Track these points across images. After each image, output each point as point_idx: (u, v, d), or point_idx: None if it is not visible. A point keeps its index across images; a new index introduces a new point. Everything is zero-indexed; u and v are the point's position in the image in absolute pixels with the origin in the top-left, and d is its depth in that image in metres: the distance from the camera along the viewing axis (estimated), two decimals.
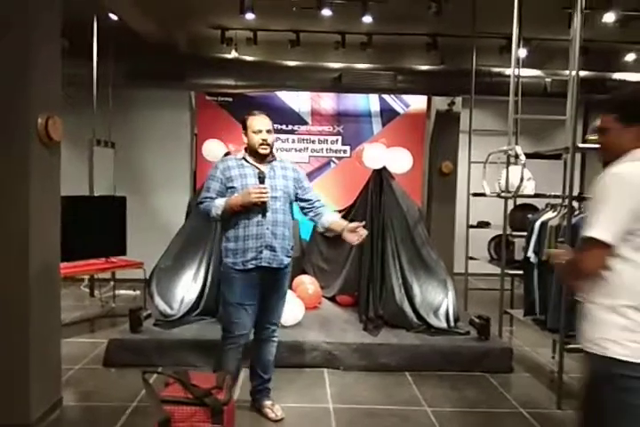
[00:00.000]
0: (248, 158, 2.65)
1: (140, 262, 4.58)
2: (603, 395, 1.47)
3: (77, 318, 4.59)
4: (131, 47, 5.28)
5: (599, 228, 1.47)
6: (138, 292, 5.34)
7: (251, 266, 2.57)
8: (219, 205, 2.55)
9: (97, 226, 4.46)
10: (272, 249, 2.58)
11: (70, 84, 3.30)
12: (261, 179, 2.57)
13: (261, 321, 2.73)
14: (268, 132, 2.62)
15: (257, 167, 2.63)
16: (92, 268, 4.43)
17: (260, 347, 2.78)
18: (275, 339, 2.81)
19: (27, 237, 2.48)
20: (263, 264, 2.58)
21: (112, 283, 5.08)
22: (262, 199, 2.50)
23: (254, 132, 2.60)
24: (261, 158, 2.64)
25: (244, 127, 2.66)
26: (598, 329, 1.51)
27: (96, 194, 4.89)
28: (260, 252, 2.56)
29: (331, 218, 2.73)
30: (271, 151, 2.67)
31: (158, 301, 3.86)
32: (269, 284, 2.65)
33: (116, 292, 5.09)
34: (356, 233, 2.57)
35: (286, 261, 2.66)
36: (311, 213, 2.74)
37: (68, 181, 3.33)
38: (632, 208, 1.45)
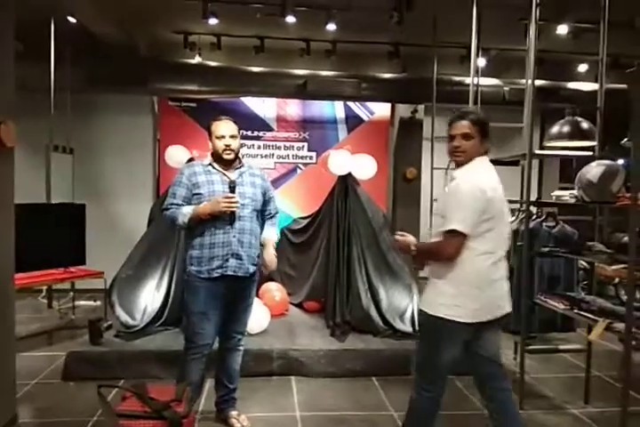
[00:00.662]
0: (215, 164, 2.61)
1: (101, 272, 4.45)
2: (433, 333, 2.14)
3: (35, 330, 4.41)
4: (90, 50, 5.15)
5: (458, 222, 1.98)
6: (98, 302, 5.19)
7: (216, 274, 2.53)
8: (186, 212, 2.50)
9: (54, 235, 4.32)
10: (238, 257, 2.55)
11: (25, 88, 3.19)
12: (232, 188, 2.52)
13: (228, 330, 2.69)
14: (233, 137, 2.58)
15: (224, 174, 2.59)
16: (50, 278, 4.28)
17: (225, 356, 2.74)
18: (241, 348, 2.78)
19: None
20: (229, 273, 2.54)
21: (71, 293, 4.91)
22: (232, 209, 2.47)
23: (217, 138, 2.56)
24: (227, 164, 2.61)
25: (209, 133, 2.62)
26: (434, 296, 2.10)
27: (53, 201, 4.73)
28: (227, 260, 2.53)
29: (266, 234, 2.77)
30: (237, 157, 2.63)
31: (119, 311, 3.75)
32: (235, 293, 2.61)
33: (76, 303, 4.93)
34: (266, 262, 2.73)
35: (252, 269, 2.63)
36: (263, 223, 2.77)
37: (24, 189, 3.21)
38: (477, 207, 1.99)
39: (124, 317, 3.73)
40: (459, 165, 2.14)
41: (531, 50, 3.20)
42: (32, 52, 4.49)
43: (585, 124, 3.34)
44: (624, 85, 5.18)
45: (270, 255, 2.73)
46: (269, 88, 5.62)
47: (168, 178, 5.57)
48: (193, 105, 6.00)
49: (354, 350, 3.54)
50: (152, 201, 5.94)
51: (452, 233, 1.98)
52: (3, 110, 2.55)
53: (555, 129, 3.42)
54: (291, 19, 4.67)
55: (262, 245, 2.73)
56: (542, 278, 3.36)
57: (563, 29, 4.83)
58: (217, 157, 2.60)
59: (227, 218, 2.50)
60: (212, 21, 4.77)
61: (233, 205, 2.47)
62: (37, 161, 4.87)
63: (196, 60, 5.57)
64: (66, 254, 4.43)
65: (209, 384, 2.98)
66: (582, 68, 5.99)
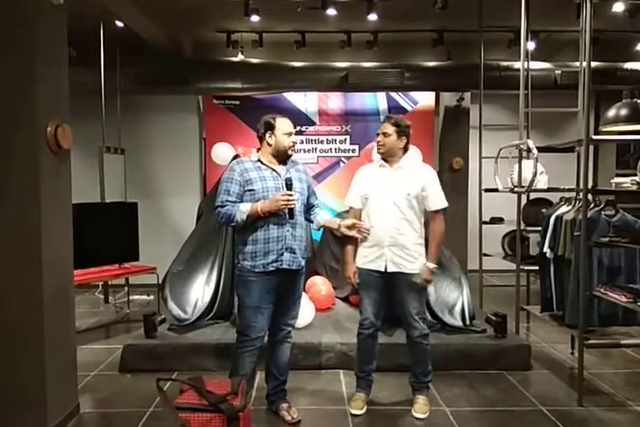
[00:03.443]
0: (263, 160, 2.63)
1: (153, 267, 4.60)
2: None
3: (92, 324, 4.62)
4: (137, 53, 5.31)
5: (445, 200, 2.81)
6: (151, 297, 5.37)
7: (271, 268, 2.56)
8: (244, 210, 2.51)
9: (109, 232, 4.49)
10: (292, 251, 2.59)
11: (77, 92, 3.31)
12: (289, 185, 2.55)
13: (277, 323, 2.72)
14: (295, 134, 2.70)
15: (274, 170, 2.62)
16: (106, 274, 4.45)
17: (275, 349, 2.77)
18: (290, 340, 2.80)
19: (39, 246, 2.49)
20: (284, 266, 2.57)
21: (126, 288, 5.10)
22: (290, 206, 2.51)
23: (286, 134, 2.60)
24: (281, 160, 2.64)
25: (271, 129, 2.61)
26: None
27: (107, 200, 4.92)
28: (282, 254, 2.56)
29: (326, 216, 2.84)
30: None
31: (172, 305, 3.86)
32: (286, 286, 2.65)
33: (130, 297, 5.12)
34: (354, 228, 2.71)
35: (303, 262, 2.68)
36: (307, 215, 2.79)
37: (80, 189, 3.36)
38: None
39: (176, 311, 3.84)
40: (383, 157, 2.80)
41: (585, 30, 3.04)
42: (84, 57, 4.67)
43: None
44: None
45: (346, 224, 2.71)
46: (311, 82, 5.62)
47: (214, 175, 5.68)
48: (236, 103, 6.08)
49: (402, 344, 3.48)
50: (199, 198, 6.09)
51: (444, 210, 2.77)
52: (59, 114, 2.66)
53: (611, 112, 3.23)
54: (331, 11, 4.64)
55: (323, 227, 2.82)
56: (602, 270, 3.19)
57: (619, 7, 4.55)
58: (277, 152, 2.62)
59: (282, 214, 2.53)
60: (254, 19, 4.80)
61: (291, 202, 2.50)
62: (91, 162, 5.08)
63: (239, 57, 5.63)
64: (120, 251, 4.60)
65: (259, 377, 3.02)
66: None
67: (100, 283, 5.35)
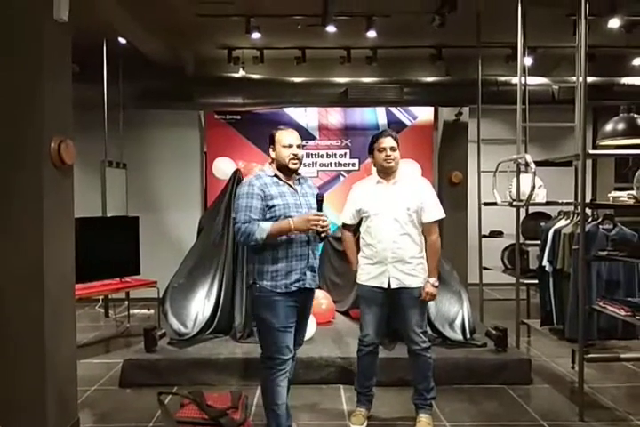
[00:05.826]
0: (280, 175, 2.51)
1: (154, 281, 4.61)
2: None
3: (93, 338, 4.61)
4: (140, 69, 5.38)
5: (442, 210, 2.85)
6: (152, 311, 5.36)
7: (294, 288, 2.44)
8: (265, 228, 2.35)
9: (111, 246, 4.51)
10: (313, 270, 2.51)
11: (80, 107, 3.36)
12: (320, 202, 2.42)
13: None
14: (299, 146, 2.52)
15: (290, 185, 2.51)
16: (107, 288, 4.46)
17: None
18: (295, 358, 2.75)
19: (41, 260, 2.51)
20: (306, 286, 2.48)
21: (126, 303, 5.10)
22: (322, 230, 2.36)
23: (284, 147, 2.48)
24: (290, 175, 2.52)
25: (272, 142, 2.53)
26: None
27: (109, 214, 4.95)
28: (304, 273, 2.46)
29: None
30: (299, 167, 2.55)
31: (172, 319, 3.86)
32: (304, 304, 2.57)
33: (131, 311, 5.11)
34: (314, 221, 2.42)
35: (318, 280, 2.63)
36: None
37: (82, 203, 3.39)
38: None
39: (176, 325, 3.84)
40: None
41: (581, 46, 3.10)
42: (87, 72, 4.74)
43: None
44: None
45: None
46: (311, 97, 5.69)
47: (215, 189, 5.71)
48: (237, 117, 6.14)
49: (403, 358, 3.47)
50: (200, 212, 6.12)
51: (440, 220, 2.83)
52: (62, 130, 2.69)
53: (609, 127, 3.28)
54: (331, 28, 4.71)
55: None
56: (600, 283, 3.20)
57: (614, 23, 4.62)
58: (280, 166, 2.50)
59: (310, 234, 2.43)
60: (255, 36, 4.88)
61: (325, 225, 2.36)
62: (93, 176, 5.12)
63: (240, 73, 5.71)
64: (121, 265, 4.62)
65: (258, 391, 3.00)
66: (637, 62, 5.72)
67: (101, 297, 5.35)
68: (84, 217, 3.96)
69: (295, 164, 2.49)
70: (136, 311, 5.41)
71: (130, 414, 3.04)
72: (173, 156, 6.28)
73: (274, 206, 2.41)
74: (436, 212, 2.81)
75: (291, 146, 2.48)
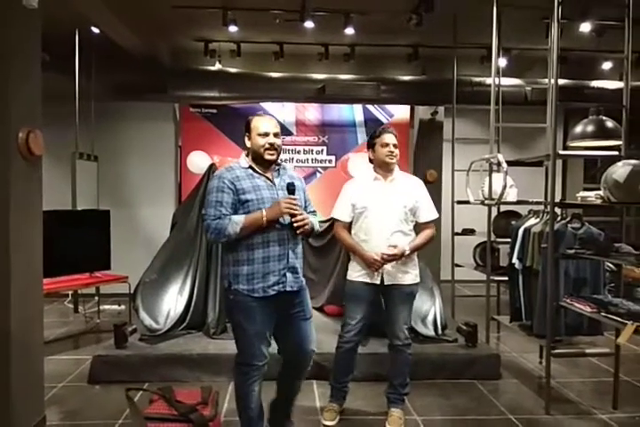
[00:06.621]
0: (255, 167, 2.31)
1: (125, 276, 4.53)
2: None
3: (61, 334, 4.51)
4: (113, 60, 5.27)
5: (436, 211, 2.87)
6: (123, 306, 5.28)
7: (272, 292, 2.24)
8: (238, 221, 2.18)
9: (80, 240, 4.41)
10: (294, 271, 2.30)
11: (50, 97, 3.27)
12: (291, 191, 2.24)
13: (302, 350, 2.42)
14: (276, 135, 2.30)
15: (267, 178, 2.31)
16: (76, 283, 4.37)
17: (294, 382, 2.60)
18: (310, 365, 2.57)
19: (8, 253, 2.44)
20: (287, 289, 2.28)
21: (96, 298, 5.01)
22: (292, 211, 2.20)
23: (260, 135, 2.27)
24: (267, 166, 2.32)
25: (248, 129, 2.32)
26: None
27: (79, 208, 4.84)
28: (284, 275, 2.26)
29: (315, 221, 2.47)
30: (277, 157, 2.34)
31: (144, 315, 3.80)
32: (294, 307, 2.35)
33: (101, 307, 5.02)
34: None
35: (304, 281, 2.40)
36: None
37: (51, 196, 3.30)
38: None
39: (147, 320, 3.78)
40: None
41: (553, 49, 3.16)
42: (57, 62, 4.62)
43: (610, 124, 3.27)
44: None
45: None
46: (289, 93, 5.67)
47: (189, 184, 5.65)
48: (213, 111, 6.08)
49: (376, 354, 3.52)
50: (174, 206, 6.04)
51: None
52: (31, 120, 2.62)
53: (578, 129, 3.36)
54: (309, 24, 4.70)
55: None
56: (568, 281, 3.29)
57: (586, 27, 4.75)
58: (256, 156, 2.30)
59: (280, 227, 2.24)
60: (232, 29, 4.83)
61: (294, 207, 2.20)
62: (63, 168, 5.00)
63: (217, 67, 5.64)
64: (91, 260, 4.53)
65: (230, 387, 2.99)
66: (606, 65, 5.88)
67: (70, 292, 5.24)
68: (54, 210, 3.86)
69: (272, 154, 2.28)
70: (106, 307, 5.31)
71: (98, 411, 2.98)
72: (147, 149, 6.18)
73: (247, 202, 2.23)
74: (431, 212, 2.84)
75: (267, 134, 2.28)
